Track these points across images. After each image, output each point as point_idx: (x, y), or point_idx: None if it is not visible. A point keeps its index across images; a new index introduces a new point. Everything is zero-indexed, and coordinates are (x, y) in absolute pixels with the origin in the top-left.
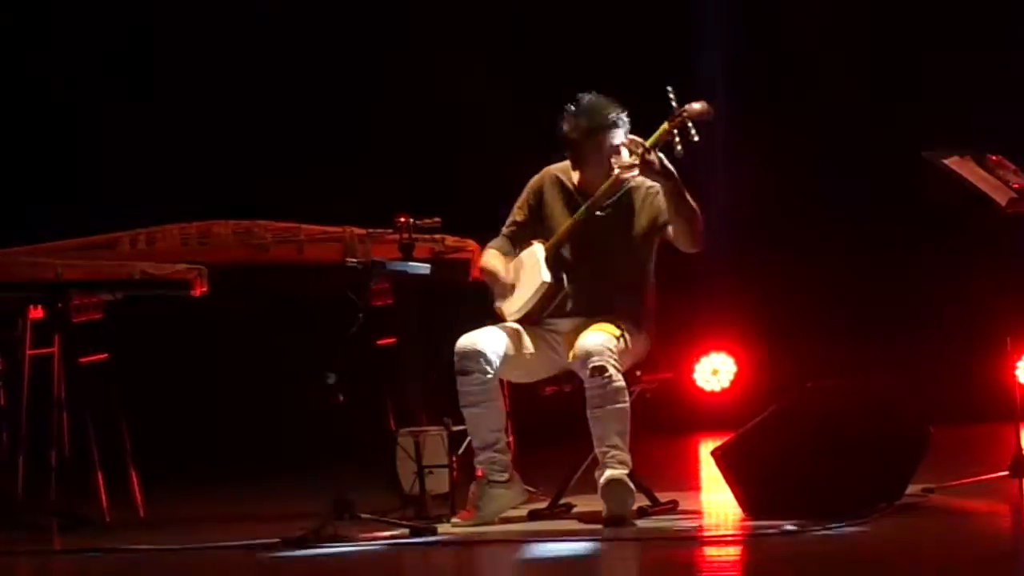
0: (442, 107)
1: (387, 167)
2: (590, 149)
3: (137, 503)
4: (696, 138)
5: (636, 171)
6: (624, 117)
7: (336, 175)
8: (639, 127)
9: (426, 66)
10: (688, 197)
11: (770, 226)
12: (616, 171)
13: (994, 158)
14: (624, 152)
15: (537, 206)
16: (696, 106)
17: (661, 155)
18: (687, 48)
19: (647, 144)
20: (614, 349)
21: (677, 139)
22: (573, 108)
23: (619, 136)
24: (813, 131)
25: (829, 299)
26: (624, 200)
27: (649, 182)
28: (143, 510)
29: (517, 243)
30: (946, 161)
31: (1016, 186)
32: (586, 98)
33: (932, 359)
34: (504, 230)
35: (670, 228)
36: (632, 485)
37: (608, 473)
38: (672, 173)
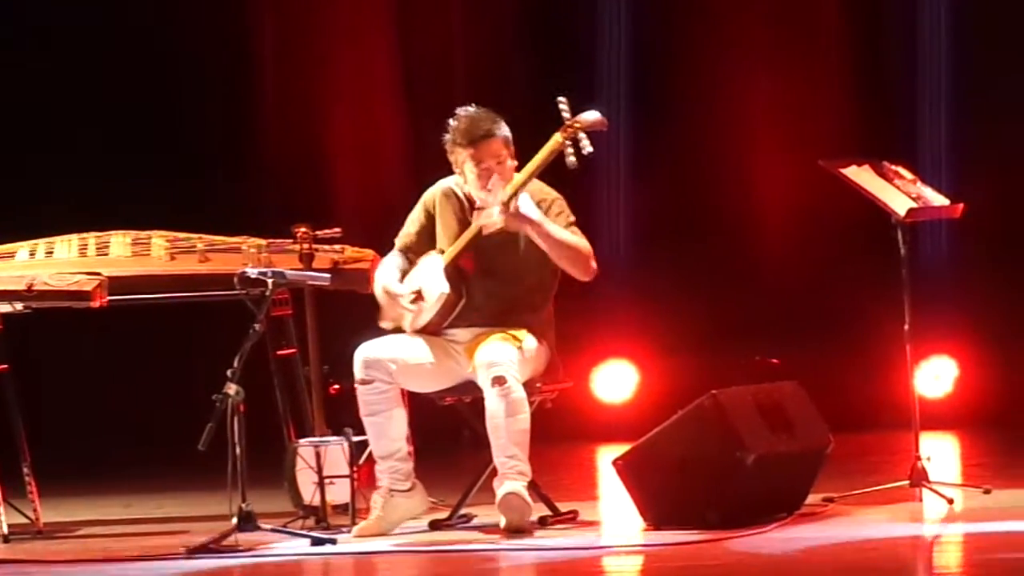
0: (337, 118)
1: (281, 178)
2: (468, 160)
3: (36, 514)
4: (589, 149)
5: (499, 223)
6: (502, 128)
7: (232, 186)
8: (533, 140)
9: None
10: (559, 236)
11: (672, 235)
12: (480, 221)
13: (892, 166)
14: (493, 209)
15: (429, 219)
16: (588, 117)
17: (519, 204)
18: (590, 62)
19: (510, 192)
20: (514, 359)
21: (570, 150)
22: (453, 120)
23: (497, 147)
24: (712, 141)
25: (730, 308)
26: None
27: (543, 194)
28: (41, 521)
29: (411, 256)
30: (843, 170)
31: (914, 195)
32: (464, 110)
33: (832, 368)
34: (397, 243)
35: None
36: (529, 497)
37: (506, 484)
38: (532, 220)
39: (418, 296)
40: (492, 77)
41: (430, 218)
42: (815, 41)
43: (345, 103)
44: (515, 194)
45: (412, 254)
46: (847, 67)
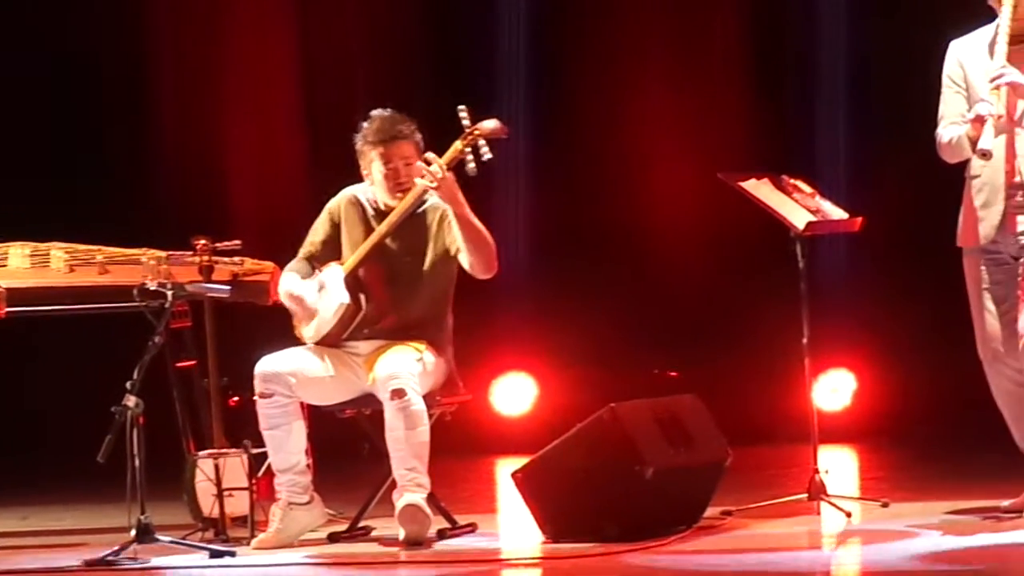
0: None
1: (180, 190)
2: (376, 159)
3: None
4: (488, 156)
5: (436, 185)
6: (413, 131)
7: (131, 198)
8: (436, 147)
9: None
10: (476, 223)
11: (570, 246)
12: (418, 183)
13: (791, 180)
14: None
15: (334, 228)
16: (488, 124)
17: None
18: (488, 72)
19: (443, 163)
20: (414, 372)
21: (470, 158)
22: (366, 121)
23: (407, 150)
24: (612, 152)
25: (629, 321)
26: (421, 223)
27: (445, 206)
28: None
29: (315, 265)
30: (742, 184)
31: (813, 209)
32: (376, 113)
33: (730, 381)
34: (301, 252)
35: (462, 256)
36: (428, 509)
37: (405, 497)
38: (460, 199)
39: (321, 286)
40: (392, 91)
41: (335, 227)
42: (714, 53)
43: (244, 115)
44: (450, 165)
45: (317, 262)
46: (746, 80)
